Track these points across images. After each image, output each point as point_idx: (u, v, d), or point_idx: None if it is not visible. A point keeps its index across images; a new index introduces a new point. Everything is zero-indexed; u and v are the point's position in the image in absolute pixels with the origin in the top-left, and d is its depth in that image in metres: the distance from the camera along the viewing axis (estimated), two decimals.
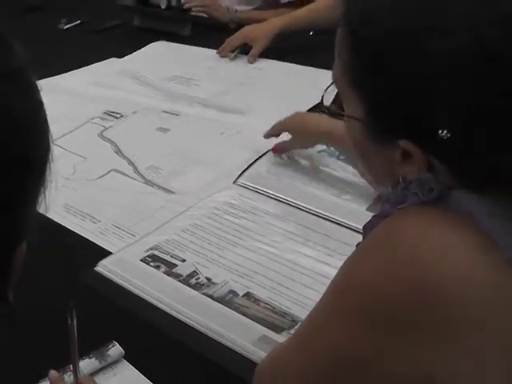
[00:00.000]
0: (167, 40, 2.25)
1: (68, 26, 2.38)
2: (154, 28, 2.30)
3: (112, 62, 2.09)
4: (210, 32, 2.30)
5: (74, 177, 1.44)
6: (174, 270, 1.14)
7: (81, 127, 1.66)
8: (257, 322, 1.02)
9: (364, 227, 0.75)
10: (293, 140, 1.43)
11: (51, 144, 0.57)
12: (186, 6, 2.38)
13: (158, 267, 1.15)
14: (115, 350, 0.96)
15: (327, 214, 1.28)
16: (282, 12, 2.27)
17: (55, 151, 0.58)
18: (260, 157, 1.48)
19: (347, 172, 1.37)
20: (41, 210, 0.58)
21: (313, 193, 1.35)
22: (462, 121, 0.64)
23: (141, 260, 1.16)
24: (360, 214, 1.21)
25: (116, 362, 0.95)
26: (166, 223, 1.27)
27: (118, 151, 1.55)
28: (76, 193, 1.37)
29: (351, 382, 0.71)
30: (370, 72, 0.68)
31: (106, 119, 1.70)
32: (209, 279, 1.12)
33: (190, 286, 1.10)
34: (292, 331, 0.99)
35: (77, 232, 1.26)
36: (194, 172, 1.46)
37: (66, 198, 1.34)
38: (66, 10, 2.50)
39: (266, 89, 1.89)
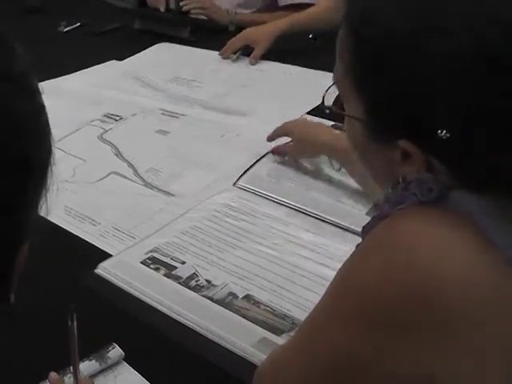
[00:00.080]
0: (164, 42, 2.25)
1: (68, 29, 2.39)
2: (153, 30, 2.30)
3: (112, 65, 2.09)
4: (209, 34, 2.30)
5: (74, 179, 1.44)
6: (173, 272, 1.14)
7: (80, 130, 1.66)
8: (257, 324, 1.02)
9: (363, 228, 0.75)
10: (293, 147, 1.44)
11: (53, 147, 0.57)
12: (184, 8, 2.38)
13: (157, 269, 1.15)
14: (115, 351, 0.96)
15: (327, 217, 1.28)
16: (280, 15, 2.27)
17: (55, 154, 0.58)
18: (259, 159, 1.48)
19: (348, 176, 1.37)
20: (42, 212, 0.59)
21: (313, 196, 1.35)
22: (461, 121, 0.64)
23: (141, 262, 1.17)
24: (360, 217, 1.22)
25: (116, 364, 0.95)
26: (166, 226, 1.27)
27: (118, 154, 1.55)
28: (76, 195, 1.38)
29: (351, 382, 0.71)
30: (371, 72, 0.68)
31: (105, 122, 1.70)
32: (209, 281, 1.12)
33: (189, 288, 1.10)
34: (292, 333, 0.99)
35: (77, 234, 1.26)
36: (194, 174, 1.46)
37: (66, 201, 1.34)
38: (66, 12, 2.51)
39: (268, 91, 1.89)
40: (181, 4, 2.40)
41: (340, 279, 0.72)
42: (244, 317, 1.04)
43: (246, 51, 2.09)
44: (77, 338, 0.80)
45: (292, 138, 1.44)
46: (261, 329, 1.01)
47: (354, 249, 0.74)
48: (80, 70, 2.02)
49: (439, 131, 0.64)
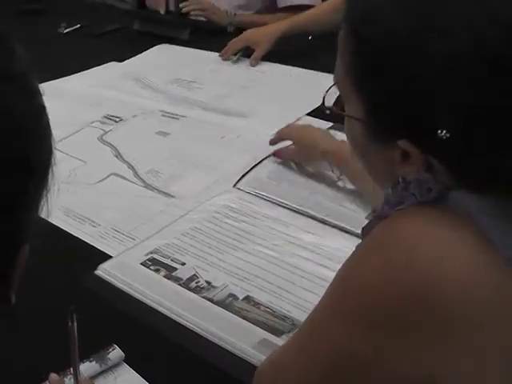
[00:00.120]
0: (164, 44, 2.25)
1: (68, 30, 2.39)
2: (153, 32, 2.30)
3: (112, 66, 2.09)
4: (208, 36, 2.31)
5: (74, 180, 1.44)
6: (173, 274, 1.14)
7: (81, 131, 1.66)
8: (257, 325, 1.02)
9: (363, 229, 0.76)
10: (295, 152, 1.44)
11: (54, 147, 0.57)
12: (184, 10, 2.39)
13: (157, 271, 1.15)
14: (115, 353, 0.96)
15: (327, 218, 1.28)
16: (280, 16, 2.28)
17: None
18: (260, 161, 1.48)
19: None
20: (43, 214, 0.59)
21: (313, 199, 1.35)
22: (461, 121, 0.64)
23: (141, 264, 1.17)
24: (360, 219, 1.21)
25: (116, 365, 0.95)
26: (166, 227, 1.27)
27: (118, 155, 1.55)
28: (76, 197, 1.37)
29: (351, 382, 0.71)
30: (371, 72, 0.69)
31: (105, 123, 1.70)
32: (209, 283, 1.12)
33: (189, 289, 1.10)
34: (292, 335, 0.99)
35: (77, 236, 1.26)
36: (194, 176, 1.46)
37: (66, 202, 1.33)
38: (66, 13, 2.51)
39: (268, 92, 1.89)
40: (180, 6, 2.40)
41: (340, 279, 0.72)
42: (244, 318, 1.04)
43: (246, 52, 2.10)
44: (77, 339, 0.80)
45: (293, 143, 1.44)
46: (261, 330, 1.01)
47: (354, 249, 0.74)
48: (80, 71, 2.02)
49: (439, 131, 0.64)
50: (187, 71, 2.05)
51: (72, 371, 0.85)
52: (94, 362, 0.94)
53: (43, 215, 0.59)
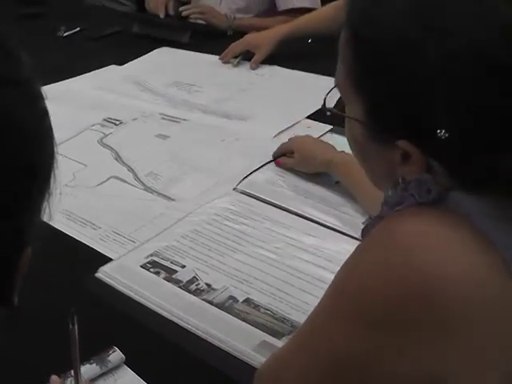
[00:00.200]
0: (165, 47, 2.26)
1: (67, 34, 2.39)
2: (152, 35, 2.30)
3: (112, 69, 2.10)
4: (208, 39, 2.31)
5: (74, 183, 1.44)
6: (173, 276, 1.14)
7: (81, 134, 1.67)
8: (257, 327, 1.03)
9: (363, 230, 0.76)
10: (296, 162, 1.45)
11: (56, 151, 0.57)
12: (184, 13, 2.39)
13: (157, 273, 1.15)
14: (116, 355, 0.96)
15: (327, 221, 1.28)
16: (279, 19, 2.28)
17: None
18: (261, 166, 1.49)
19: None
20: (45, 217, 0.59)
21: (313, 202, 1.35)
22: (460, 121, 0.64)
23: (141, 266, 1.17)
24: (359, 223, 1.22)
25: (116, 367, 0.96)
26: (166, 229, 1.28)
27: (118, 158, 1.55)
28: (76, 199, 1.38)
29: (351, 382, 0.71)
30: (370, 72, 0.69)
31: (105, 126, 1.71)
32: (209, 285, 1.12)
33: (189, 291, 1.11)
34: (292, 335, 0.99)
35: (77, 238, 1.26)
36: (194, 178, 1.46)
37: (66, 205, 1.34)
38: (66, 17, 2.51)
39: (268, 95, 1.90)
40: (180, 9, 2.41)
41: (339, 280, 0.73)
42: (244, 320, 1.04)
43: (246, 56, 2.10)
44: (78, 341, 0.80)
45: (295, 155, 1.45)
46: (261, 332, 1.02)
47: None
48: (79, 74, 2.02)
49: (438, 131, 0.64)
50: (187, 74, 2.05)
51: (73, 373, 0.85)
52: (94, 364, 0.94)
53: (45, 218, 0.59)
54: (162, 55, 2.22)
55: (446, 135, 0.64)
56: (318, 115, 1.66)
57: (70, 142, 1.60)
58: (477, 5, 0.64)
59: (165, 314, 1.06)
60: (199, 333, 1.02)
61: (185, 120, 1.74)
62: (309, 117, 1.70)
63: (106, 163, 1.53)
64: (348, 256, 0.73)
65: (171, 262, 1.18)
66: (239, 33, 2.25)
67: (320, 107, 0.83)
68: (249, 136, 1.63)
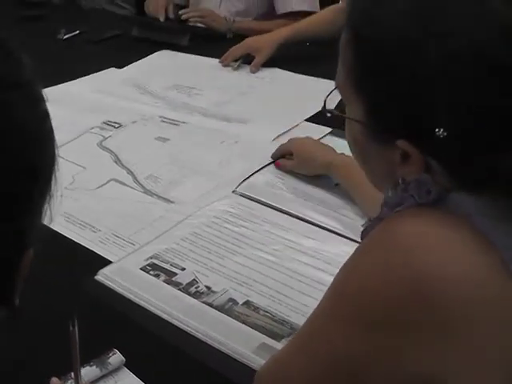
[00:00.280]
0: (167, 50, 2.26)
1: (67, 36, 2.39)
2: (152, 38, 2.31)
3: (112, 72, 2.10)
4: (208, 42, 2.31)
5: (74, 186, 1.44)
6: (173, 279, 1.14)
7: (80, 137, 1.67)
8: (256, 329, 1.03)
9: (363, 231, 0.76)
10: (296, 164, 1.45)
11: (57, 153, 0.58)
12: (183, 16, 2.40)
13: (157, 276, 1.15)
14: (116, 357, 0.96)
15: (326, 223, 1.29)
16: (279, 23, 2.29)
17: None
18: (260, 168, 1.49)
19: None
20: (46, 219, 0.59)
21: (312, 205, 1.35)
22: (460, 121, 0.64)
23: (141, 269, 1.17)
24: (358, 226, 1.22)
25: (117, 369, 0.96)
26: (166, 232, 1.28)
27: (118, 161, 1.56)
28: (76, 202, 1.38)
29: (351, 383, 0.71)
30: (371, 72, 0.69)
31: (105, 129, 1.71)
32: (208, 288, 1.12)
33: (189, 294, 1.11)
34: (291, 337, 1.00)
35: (77, 241, 1.26)
36: (193, 181, 1.47)
37: (66, 208, 1.34)
38: (66, 20, 2.52)
39: (267, 98, 1.90)
40: (179, 12, 2.41)
41: (338, 282, 0.73)
42: (244, 323, 1.04)
43: (246, 59, 2.10)
44: (78, 343, 0.80)
45: (295, 157, 1.46)
46: (260, 334, 1.02)
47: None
48: (79, 77, 2.03)
49: (437, 130, 0.64)
50: (187, 77, 2.05)
51: (73, 375, 0.86)
52: (94, 367, 0.94)
53: (46, 221, 0.59)
54: (162, 58, 2.23)
55: (445, 134, 0.64)
56: (318, 118, 1.66)
57: (69, 145, 1.60)
58: (477, 5, 0.64)
59: (165, 316, 1.06)
60: (199, 335, 1.02)
61: (184, 123, 1.75)
62: (308, 119, 1.70)
63: (105, 166, 1.53)
64: (347, 258, 0.73)
65: (171, 265, 1.18)
66: (239, 36, 2.25)
67: (320, 110, 0.83)
68: (248, 139, 1.64)
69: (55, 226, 1.25)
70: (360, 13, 0.71)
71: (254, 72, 2.07)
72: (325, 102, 0.82)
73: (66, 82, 1.97)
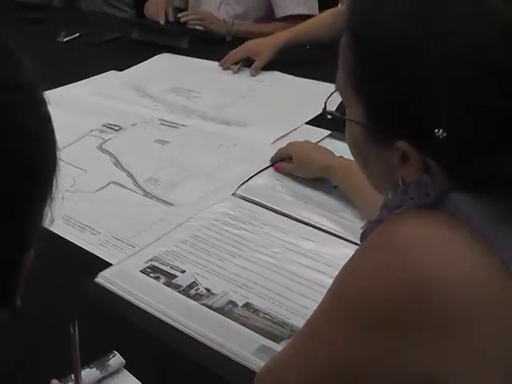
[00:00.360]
0: (165, 53, 2.27)
1: (67, 39, 2.40)
2: (152, 41, 2.31)
3: (112, 75, 2.10)
4: (207, 45, 2.32)
5: (74, 189, 1.44)
6: (173, 281, 1.15)
7: (80, 140, 1.67)
8: (256, 332, 1.03)
9: (362, 234, 0.76)
10: (295, 167, 1.45)
11: (58, 156, 0.58)
12: (183, 19, 2.40)
13: (157, 278, 1.15)
14: (116, 359, 0.96)
15: (326, 225, 1.29)
16: (278, 26, 2.29)
17: None
18: (260, 171, 1.49)
19: None
20: (47, 221, 0.59)
21: (311, 208, 1.35)
22: (460, 121, 0.65)
23: (141, 271, 1.17)
24: (357, 228, 1.22)
25: (117, 371, 0.96)
26: (166, 235, 1.28)
27: (117, 163, 1.56)
28: (76, 205, 1.38)
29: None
30: (371, 74, 0.70)
31: (105, 132, 1.71)
32: (208, 290, 1.13)
33: (189, 296, 1.11)
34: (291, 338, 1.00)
35: (77, 243, 1.26)
36: (193, 184, 1.47)
37: (66, 210, 1.34)
38: (66, 22, 2.52)
39: (267, 101, 1.91)
40: (178, 15, 2.42)
41: (338, 284, 0.73)
42: (243, 325, 1.05)
43: (246, 62, 2.11)
44: (78, 345, 0.81)
45: (294, 160, 1.46)
46: (260, 336, 1.02)
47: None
48: (79, 80, 2.03)
49: (436, 131, 0.65)
50: (186, 80, 2.06)
51: (73, 377, 0.86)
52: (94, 369, 0.94)
53: (47, 223, 0.60)
54: (162, 61, 2.23)
55: (444, 135, 0.65)
56: (317, 121, 1.67)
57: (69, 148, 1.60)
58: (477, 5, 0.65)
59: (165, 318, 1.07)
60: (199, 337, 1.03)
61: (184, 126, 1.75)
62: (308, 122, 1.71)
63: (105, 169, 1.54)
64: (347, 260, 0.73)
65: (171, 267, 1.18)
66: (238, 38, 2.26)
67: (319, 113, 0.84)
68: (247, 142, 1.64)
69: (55, 229, 1.25)
70: (360, 15, 0.71)
71: (253, 75, 2.07)
72: (325, 103, 0.82)
73: (66, 84, 1.97)
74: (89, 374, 0.93)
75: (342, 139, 0.81)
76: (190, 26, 2.46)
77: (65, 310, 0.99)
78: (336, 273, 0.74)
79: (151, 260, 1.20)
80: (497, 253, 0.65)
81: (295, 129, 1.70)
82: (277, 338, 1.02)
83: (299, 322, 1.03)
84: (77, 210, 1.36)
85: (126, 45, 2.37)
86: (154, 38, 2.32)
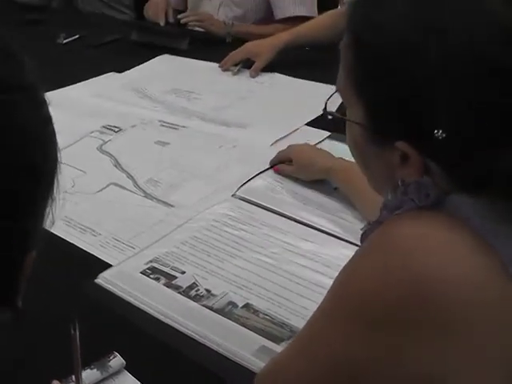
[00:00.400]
0: (165, 54, 2.27)
1: (67, 41, 2.40)
2: (152, 42, 2.31)
3: (112, 76, 2.11)
4: (207, 46, 2.32)
5: (74, 190, 1.45)
6: (173, 282, 1.15)
7: (80, 141, 1.67)
8: (256, 332, 1.03)
9: (362, 235, 0.77)
10: (295, 169, 1.45)
11: (59, 156, 0.58)
12: (182, 21, 2.40)
13: (157, 279, 1.16)
14: (116, 360, 0.96)
15: (325, 226, 1.29)
16: (277, 27, 2.30)
17: None
18: (260, 173, 1.49)
19: None
20: (48, 222, 0.60)
21: (311, 210, 1.36)
22: (460, 120, 0.65)
23: (141, 272, 1.17)
24: (357, 229, 1.22)
25: (117, 372, 0.96)
26: (166, 236, 1.28)
27: (117, 165, 1.56)
28: (76, 206, 1.38)
29: None
30: (371, 75, 0.70)
31: (104, 133, 1.71)
32: (208, 291, 1.13)
33: (189, 297, 1.11)
34: (291, 340, 1.00)
35: (77, 245, 1.27)
36: (193, 185, 1.47)
37: (66, 212, 1.34)
38: (65, 24, 2.52)
39: (266, 103, 1.91)
40: (178, 17, 2.42)
41: (338, 285, 0.73)
42: (243, 325, 1.05)
43: (246, 64, 2.11)
44: (79, 346, 0.81)
45: (294, 163, 1.46)
46: (260, 337, 1.02)
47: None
48: (79, 81, 2.03)
49: (435, 131, 0.65)
50: (186, 81, 2.06)
51: (74, 378, 0.86)
52: (95, 370, 0.95)
53: (48, 224, 0.60)
54: (162, 63, 2.23)
55: (443, 135, 0.65)
56: (317, 122, 1.67)
57: (69, 149, 1.60)
58: (477, 7, 0.65)
59: (165, 319, 1.07)
60: (199, 338, 1.03)
61: (184, 127, 1.75)
62: (307, 124, 1.71)
63: (105, 170, 1.54)
64: (346, 261, 0.74)
65: (171, 268, 1.18)
66: (238, 40, 2.26)
67: (319, 114, 0.84)
68: (246, 143, 1.64)
69: (56, 230, 1.25)
70: (360, 17, 0.72)
71: (253, 76, 2.07)
72: (326, 104, 0.83)
73: (66, 86, 1.97)
74: (89, 375, 0.94)
75: (341, 140, 0.82)
76: (189, 28, 2.46)
77: (65, 310, 0.99)
78: (335, 273, 0.74)
79: (151, 261, 1.20)
80: (496, 254, 0.65)
81: (295, 130, 1.70)
82: (277, 339, 1.02)
83: (299, 322, 1.03)
84: (77, 212, 1.36)
85: (125, 46, 2.37)
86: (153, 40, 2.32)
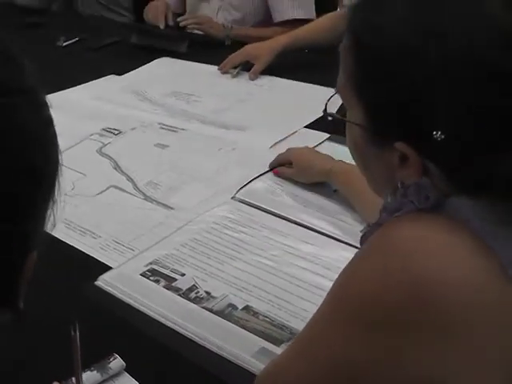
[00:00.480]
0: (164, 57, 2.27)
1: (66, 43, 2.40)
2: (151, 45, 2.31)
3: (111, 79, 2.11)
4: (206, 49, 2.32)
5: (74, 193, 1.45)
6: (173, 284, 1.15)
7: (80, 144, 1.68)
8: (256, 334, 1.03)
9: (362, 237, 0.77)
10: (295, 172, 1.46)
11: (60, 159, 0.58)
12: (181, 23, 2.41)
13: (157, 281, 1.16)
14: (116, 362, 0.96)
15: (325, 228, 1.29)
16: (276, 30, 2.30)
17: None
18: (259, 175, 1.50)
19: None
20: (49, 224, 0.60)
21: (311, 211, 1.36)
22: (457, 124, 0.65)
23: (140, 274, 1.18)
24: (357, 231, 1.22)
25: (117, 374, 0.96)
26: (166, 238, 1.28)
27: (117, 167, 1.56)
28: (76, 209, 1.38)
29: None
30: (371, 78, 0.70)
31: (104, 135, 1.72)
32: (208, 293, 1.13)
33: (189, 299, 1.12)
34: (291, 342, 1.00)
35: (77, 247, 1.27)
36: (193, 188, 1.47)
37: (66, 214, 1.34)
38: (65, 27, 2.53)
39: (266, 105, 1.91)
40: (177, 20, 2.42)
41: (338, 287, 0.74)
42: (243, 327, 1.05)
43: (245, 67, 2.11)
44: (79, 348, 0.81)
45: (293, 165, 1.47)
46: (260, 339, 1.02)
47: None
48: (78, 84, 2.03)
49: (434, 133, 0.65)
50: (186, 84, 2.06)
51: (74, 380, 0.86)
52: (95, 372, 0.95)
53: (50, 226, 0.60)
54: (161, 66, 2.23)
55: (442, 137, 0.65)
56: (316, 125, 1.67)
57: (69, 152, 1.60)
58: (477, 10, 0.65)
59: (165, 321, 1.07)
60: (199, 340, 1.03)
61: (183, 130, 1.75)
62: (307, 126, 1.71)
63: (105, 172, 1.54)
64: (346, 263, 0.74)
65: (171, 271, 1.18)
66: (237, 43, 2.26)
67: (318, 116, 0.84)
68: (245, 146, 1.64)
69: (56, 233, 1.23)
70: (361, 20, 0.72)
71: (252, 79, 2.08)
72: (326, 105, 0.83)
73: (66, 88, 1.98)
74: (89, 376, 0.94)
75: (340, 142, 0.82)
76: (188, 31, 2.46)
77: (65, 312, 0.99)
78: (335, 276, 0.75)
79: (151, 263, 1.20)
80: (496, 256, 0.66)
81: (294, 132, 1.70)
82: (276, 341, 1.02)
83: (299, 324, 1.03)
84: (77, 214, 1.36)
85: (125, 49, 2.38)
86: (153, 43, 2.32)
